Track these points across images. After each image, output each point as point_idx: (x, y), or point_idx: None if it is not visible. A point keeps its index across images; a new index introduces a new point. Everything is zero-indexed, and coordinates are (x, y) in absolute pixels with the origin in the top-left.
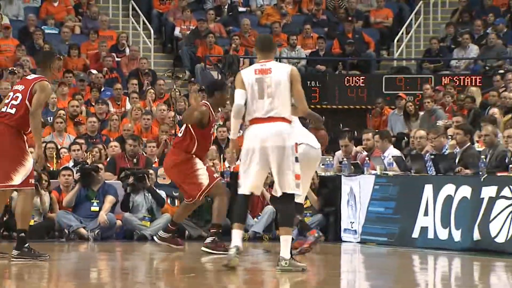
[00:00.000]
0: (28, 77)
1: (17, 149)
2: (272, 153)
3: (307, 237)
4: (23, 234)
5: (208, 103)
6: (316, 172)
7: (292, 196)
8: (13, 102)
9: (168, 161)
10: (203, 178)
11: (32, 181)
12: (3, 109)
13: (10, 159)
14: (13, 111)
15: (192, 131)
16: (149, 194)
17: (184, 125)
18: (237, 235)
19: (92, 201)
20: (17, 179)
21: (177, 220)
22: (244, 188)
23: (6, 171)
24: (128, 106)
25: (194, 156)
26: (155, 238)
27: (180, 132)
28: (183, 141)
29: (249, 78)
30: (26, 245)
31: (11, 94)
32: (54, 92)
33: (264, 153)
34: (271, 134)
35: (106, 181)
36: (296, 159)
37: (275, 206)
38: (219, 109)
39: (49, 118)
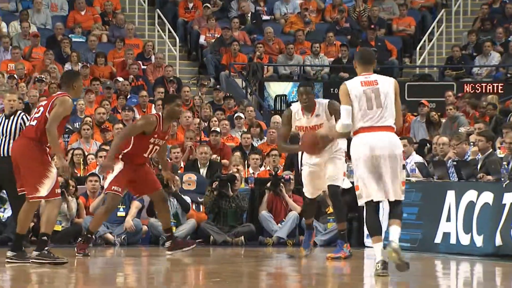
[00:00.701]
0: (54, 94)
1: (40, 162)
2: (385, 162)
3: (341, 248)
4: (45, 237)
5: (160, 114)
6: None
7: (401, 201)
8: (36, 115)
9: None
10: (105, 183)
11: (58, 190)
12: (28, 123)
13: (34, 172)
14: (34, 123)
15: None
16: (175, 200)
17: (41, 115)
18: (379, 248)
19: (118, 206)
20: (43, 191)
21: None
22: (368, 197)
23: (32, 184)
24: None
25: (119, 157)
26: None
27: (34, 121)
28: (38, 131)
29: (357, 90)
30: (46, 248)
31: (36, 109)
32: (82, 99)
33: (376, 161)
34: (383, 143)
35: None
36: (404, 167)
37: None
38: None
39: (76, 125)
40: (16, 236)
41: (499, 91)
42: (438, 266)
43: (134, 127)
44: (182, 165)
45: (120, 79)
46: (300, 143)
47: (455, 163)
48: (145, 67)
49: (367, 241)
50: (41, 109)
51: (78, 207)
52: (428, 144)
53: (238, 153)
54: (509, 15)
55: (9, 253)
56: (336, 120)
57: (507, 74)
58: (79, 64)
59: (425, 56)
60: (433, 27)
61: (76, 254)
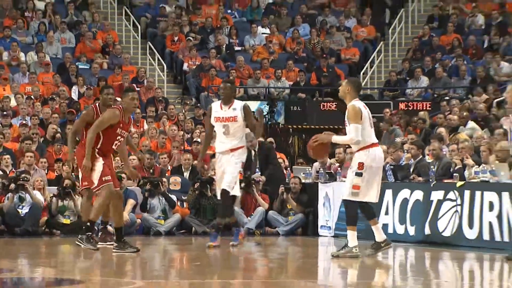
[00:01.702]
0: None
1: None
2: (380, 171)
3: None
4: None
5: (121, 107)
6: (299, 179)
7: None
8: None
9: (79, 154)
10: (95, 178)
11: (106, 178)
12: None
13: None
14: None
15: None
16: (163, 198)
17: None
18: (355, 235)
19: None
20: (94, 181)
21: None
22: (373, 197)
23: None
24: (146, 127)
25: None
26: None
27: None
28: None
29: (365, 111)
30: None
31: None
32: None
33: (379, 171)
34: (382, 156)
35: (128, 187)
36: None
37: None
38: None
39: None
40: (89, 223)
41: (428, 108)
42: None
43: (103, 121)
44: (169, 169)
45: (118, 99)
46: (315, 149)
47: (392, 167)
48: (138, 89)
49: (321, 231)
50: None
51: None
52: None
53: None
54: (435, 46)
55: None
56: (248, 121)
57: (434, 95)
58: (84, 87)
59: (367, 79)
60: (374, 56)
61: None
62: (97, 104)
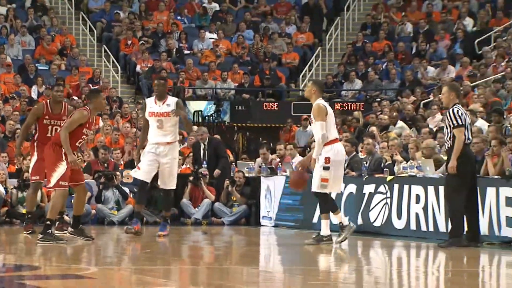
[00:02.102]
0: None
1: (53, 157)
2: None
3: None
4: (48, 222)
5: (89, 108)
6: (243, 173)
7: None
8: (64, 124)
9: (46, 152)
10: (54, 177)
11: (63, 183)
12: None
13: (48, 166)
14: (59, 130)
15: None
16: (117, 190)
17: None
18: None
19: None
20: (52, 181)
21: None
22: (338, 189)
23: (49, 175)
24: (101, 124)
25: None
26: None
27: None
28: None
29: (329, 109)
30: (49, 231)
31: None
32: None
33: (342, 164)
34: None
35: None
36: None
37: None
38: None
39: None
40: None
41: (361, 109)
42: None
43: (73, 122)
44: (122, 163)
45: (75, 98)
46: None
47: None
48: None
49: (263, 221)
50: (65, 118)
51: (42, 196)
52: (308, 148)
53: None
54: (368, 52)
55: (39, 236)
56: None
57: (367, 96)
58: (43, 86)
59: (306, 82)
60: (312, 60)
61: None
62: (48, 101)
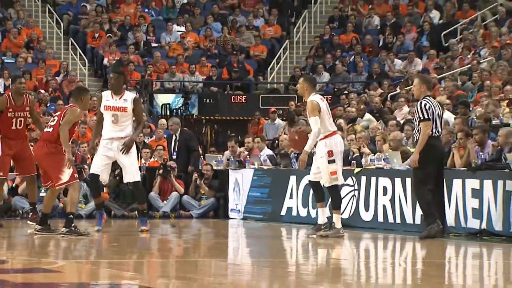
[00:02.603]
0: (66, 106)
1: (57, 157)
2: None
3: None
4: (71, 216)
5: (9, 93)
6: (211, 166)
7: None
8: (51, 123)
9: (41, 151)
10: (66, 173)
11: (76, 175)
12: (45, 129)
13: (55, 165)
14: (50, 129)
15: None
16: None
17: (56, 122)
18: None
19: (40, 188)
20: (65, 177)
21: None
22: (341, 180)
23: (55, 174)
24: None
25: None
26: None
27: (51, 128)
28: (54, 135)
29: (323, 104)
30: (73, 225)
31: (51, 118)
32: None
33: (341, 155)
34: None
35: None
36: None
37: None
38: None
39: None
40: (43, 214)
41: (329, 101)
42: (283, 232)
43: (68, 121)
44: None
45: (42, 91)
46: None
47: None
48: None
49: (231, 214)
50: (56, 118)
51: (9, 188)
52: (276, 141)
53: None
54: (335, 44)
55: (37, 227)
56: (135, 113)
57: (335, 89)
58: (10, 79)
59: (274, 75)
60: (280, 53)
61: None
62: (9, 93)
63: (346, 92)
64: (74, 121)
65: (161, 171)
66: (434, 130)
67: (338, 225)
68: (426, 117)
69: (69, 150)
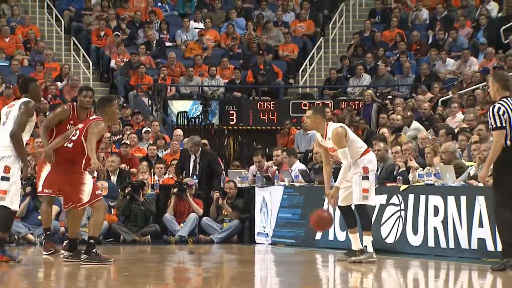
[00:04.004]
0: (90, 118)
1: (75, 174)
2: None
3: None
4: (92, 240)
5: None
6: (235, 183)
7: None
8: (72, 137)
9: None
10: (86, 192)
11: (99, 192)
12: (65, 144)
13: (73, 185)
14: (70, 145)
15: (86, 145)
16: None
17: (77, 137)
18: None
19: (39, 210)
20: (85, 197)
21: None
22: (372, 200)
23: (75, 195)
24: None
25: (82, 166)
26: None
27: (71, 143)
28: (74, 151)
29: (345, 128)
30: (94, 250)
31: (73, 131)
32: None
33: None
34: None
35: None
36: None
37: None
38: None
39: None
40: (70, 240)
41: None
42: (318, 259)
43: (94, 135)
44: (95, 174)
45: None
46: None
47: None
48: (61, 87)
49: (258, 238)
50: (77, 132)
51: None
52: (309, 154)
53: (144, 163)
54: (377, 42)
55: (66, 253)
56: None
57: (377, 94)
58: (3, 85)
59: (307, 77)
60: (313, 53)
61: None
62: (74, 104)
63: (390, 96)
64: (99, 135)
65: (176, 189)
66: (509, 141)
67: (370, 248)
68: (498, 124)
69: (95, 160)
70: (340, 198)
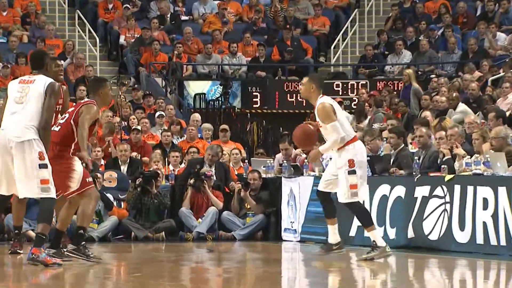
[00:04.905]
0: (81, 101)
1: (63, 162)
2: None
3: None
4: (81, 231)
5: (95, 101)
6: (259, 173)
7: None
8: (60, 121)
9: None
10: (75, 180)
11: (89, 179)
12: (52, 127)
13: (61, 172)
14: (57, 128)
15: (75, 130)
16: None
17: (65, 120)
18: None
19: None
20: (74, 184)
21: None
22: (365, 196)
23: (63, 182)
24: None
25: (71, 152)
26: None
27: (58, 126)
28: (61, 135)
29: (336, 105)
30: (83, 243)
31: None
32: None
33: (365, 165)
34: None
35: None
36: None
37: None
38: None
39: None
40: (57, 232)
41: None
42: (353, 258)
43: (86, 119)
44: (102, 163)
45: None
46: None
47: (368, 158)
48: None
49: (285, 235)
50: (66, 115)
51: None
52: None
53: (158, 151)
54: (419, 14)
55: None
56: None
57: (418, 72)
58: (0, 64)
59: (339, 55)
60: (347, 27)
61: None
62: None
63: (433, 75)
64: (92, 120)
65: (192, 180)
66: None
67: (381, 242)
68: None
69: (85, 149)
70: (321, 182)
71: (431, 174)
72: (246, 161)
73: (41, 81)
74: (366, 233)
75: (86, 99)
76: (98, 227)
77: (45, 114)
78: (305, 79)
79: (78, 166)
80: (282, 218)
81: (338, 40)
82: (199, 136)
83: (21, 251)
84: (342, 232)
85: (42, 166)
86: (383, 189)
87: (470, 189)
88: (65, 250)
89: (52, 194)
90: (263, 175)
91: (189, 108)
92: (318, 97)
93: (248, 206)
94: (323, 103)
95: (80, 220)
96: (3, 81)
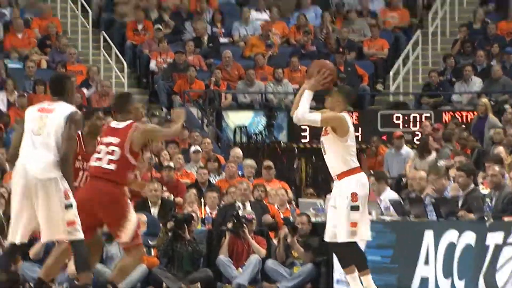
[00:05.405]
0: (115, 125)
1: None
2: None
3: None
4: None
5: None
6: (308, 217)
7: None
8: (110, 157)
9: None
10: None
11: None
12: (98, 164)
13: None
14: (112, 167)
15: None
16: None
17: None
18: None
19: None
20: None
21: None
22: (366, 234)
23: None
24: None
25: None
26: None
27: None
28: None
29: (352, 129)
30: None
31: (102, 147)
32: None
33: (365, 201)
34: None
35: None
36: None
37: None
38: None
39: None
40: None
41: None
42: None
43: None
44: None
45: None
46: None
47: (433, 200)
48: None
49: (337, 287)
50: (115, 149)
51: None
52: (403, 179)
53: (193, 190)
54: (491, 36)
55: None
56: None
57: (491, 102)
58: (15, 93)
59: (400, 82)
60: (408, 50)
61: None
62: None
63: (507, 106)
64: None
65: (231, 224)
66: None
67: None
68: None
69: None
70: (327, 230)
71: (506, 219)
72: (293, 202)
73: (62, 110)
74: (362, 278)
75: (126, 123)
76: (126, 279)
77: (64, 145)
78: (334, 89)
79: (133, 216)
80: (334, 268)
81: (398, 66)
82: (239, 174)
83: None
84: (403, 283)
85: (68, 206)
86: (450, 235)
87: None
88: None
89: (80, 235)
90: (312, 219)
91: (229, 143)
92: (341, 112)
93: (296, 254)
94: (345, 116)
95: (115, 275)
96: (18, 113)
